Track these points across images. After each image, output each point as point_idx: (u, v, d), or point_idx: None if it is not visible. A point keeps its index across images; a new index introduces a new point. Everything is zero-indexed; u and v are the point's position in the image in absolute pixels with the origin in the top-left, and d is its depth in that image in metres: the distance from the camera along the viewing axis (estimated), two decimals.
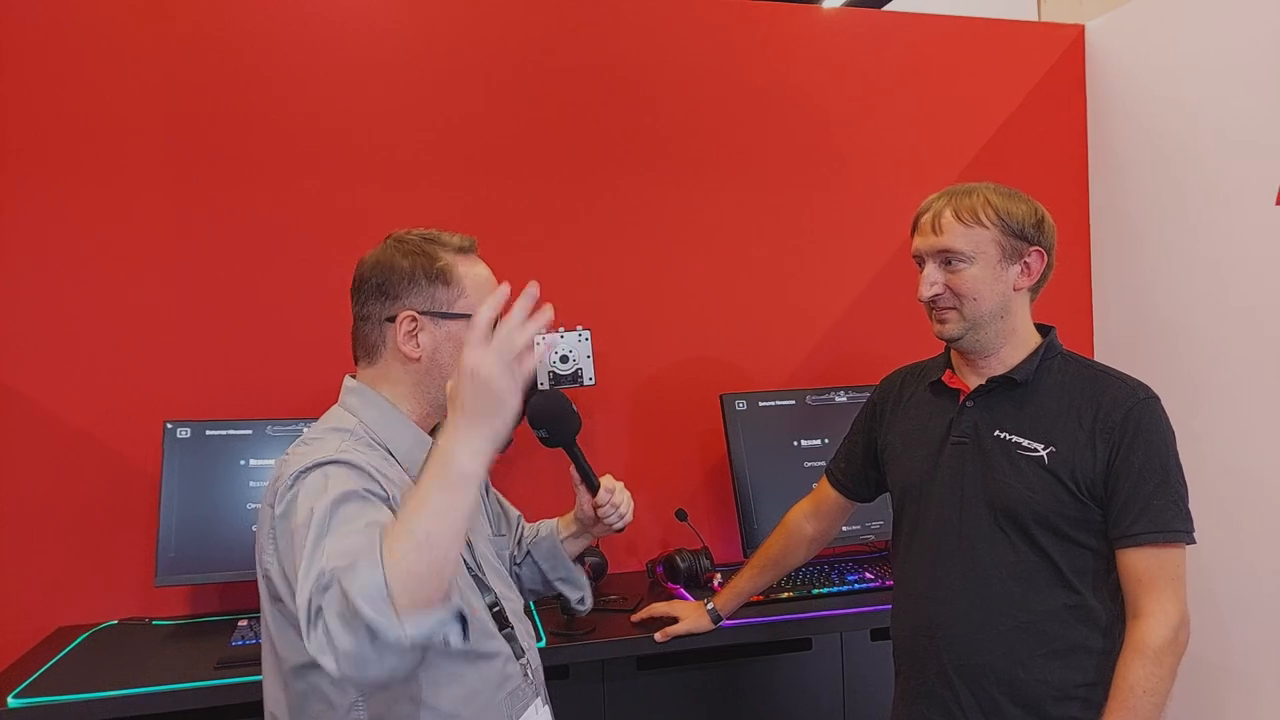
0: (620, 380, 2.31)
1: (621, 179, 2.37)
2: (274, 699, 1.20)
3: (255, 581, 1.19)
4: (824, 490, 1.73)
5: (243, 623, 1.85)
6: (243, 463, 1.97)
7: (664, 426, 2.37)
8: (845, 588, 2.03)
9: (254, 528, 1.21)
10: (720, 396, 2.28)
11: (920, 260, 1.44)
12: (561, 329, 2.00)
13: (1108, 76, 2.62)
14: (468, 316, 1.26)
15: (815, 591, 2.01)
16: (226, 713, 1.62)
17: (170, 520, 1.90)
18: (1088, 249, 2.69)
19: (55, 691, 1.58)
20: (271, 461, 1.97)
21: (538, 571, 1.54)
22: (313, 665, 1.14)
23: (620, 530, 1.49)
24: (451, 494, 0.96)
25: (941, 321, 1.43)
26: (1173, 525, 1.31)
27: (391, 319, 1.24)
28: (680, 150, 2.41)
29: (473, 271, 1.28)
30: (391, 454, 1.23)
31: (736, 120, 2.45)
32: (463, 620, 1.00)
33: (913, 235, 1.46)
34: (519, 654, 1.29)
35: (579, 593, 1.54)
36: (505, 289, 1.04)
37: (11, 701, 1.55)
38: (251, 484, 1.97)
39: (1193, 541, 1.32)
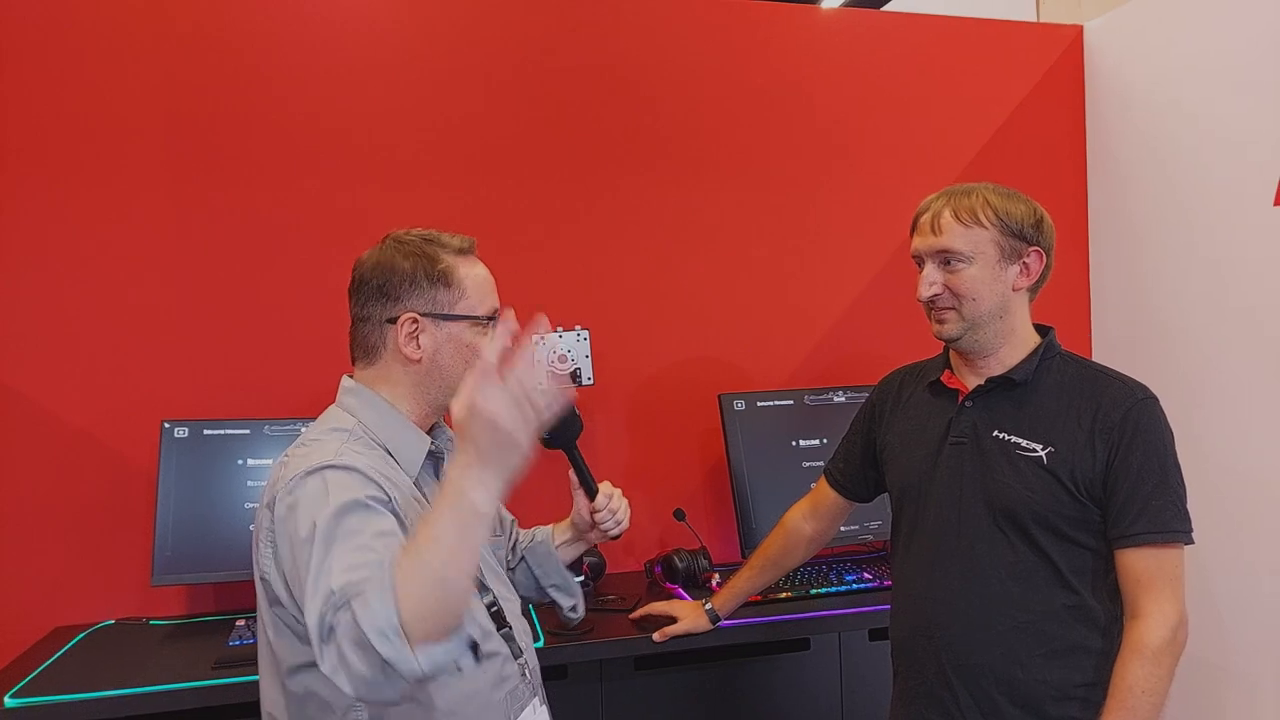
0: (619, 380, 2.31)
1: (621, 179, 2.37)
2: (271, 700, 1.20)
3: (252, 581, 1.19)
4: (822, 490, 1.73)
5: (240, 622, 1.85)
6: (240, 462, 1.97)
7: (662, 426, 2.37)
8: (843, 588, 2.03)
9: (251, 528, 1.21)
10: (719, 396, 2.28)
11: (919, 260, 1.44)
12: (560, 329, 2.00)
13: (1106, 77, 2.63)
14: (469, 318, 1.26)
15: (813, 591, 2.01)
16: (224, 713, 1.61)
17: (167, 520, 1.90)
18: (1086, 249, 2.70)
19: (52, 691, 1.57)
20: (269, 461, 1.97)
21: (531, 577, 1.53)
22: (310, 666, 1.14)
23: (616, 537, 1.49)
24: (466, 532, 0.96)
25: (940, 322, 1.43)
26: (1171, 525, 1.31)
27: (392, 320, 1.24)
28: (679, 150, 2.41)
29: (473, 273, 1.28)
30: (391, 454, 1.23)
31: (736, 120, 2.45)
32: (474, 645, 1.01)
33: (912, 235, 1.46)
34: (517, 654, 1.29)
35: (571, 600, 1.53)
36: (511, 324, 1.01)
37: (8, 701, 1.54)
38: (249, 484, 1.96)
39: (1191, 542, 1.32)
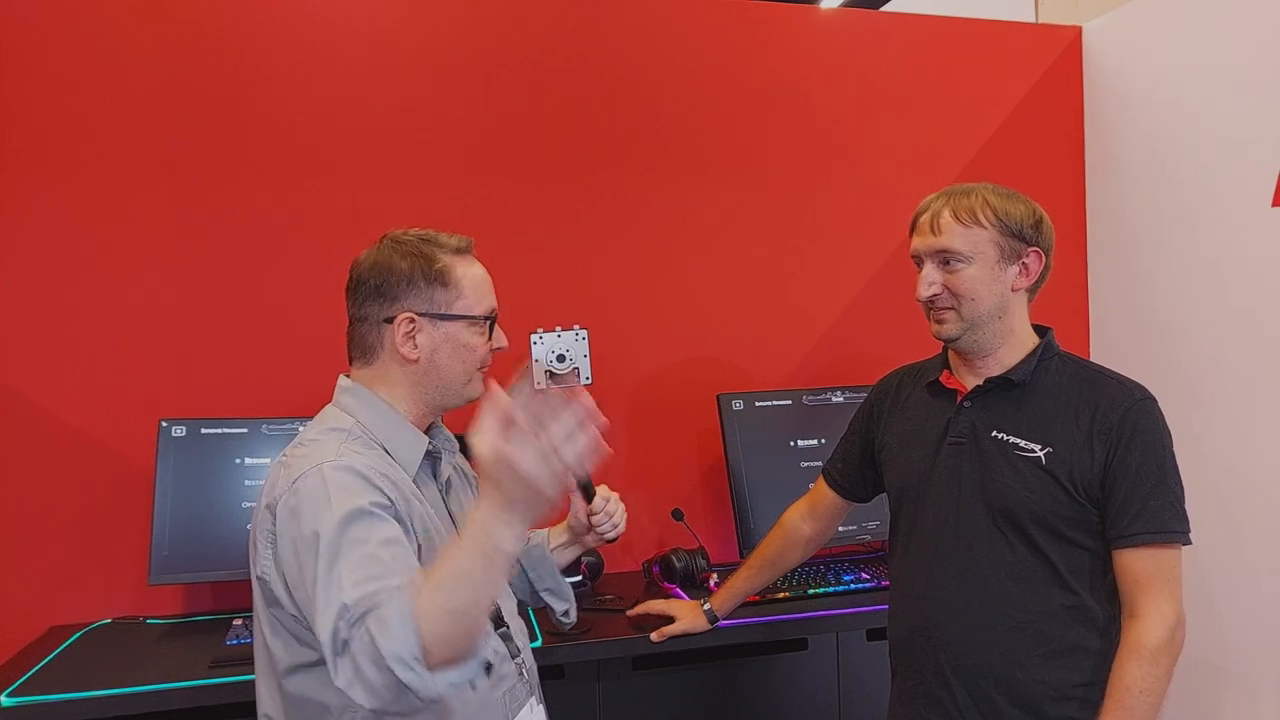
0: (618, 380, 2.31)
1: (620, 179, 2.37)
2: (268, 701, 1.20)
3: (249, 581, 1.19)
4: (821, 490, 1.73)
5: (237, 622, 1.84)
6: (238, 461, 1.97)
7: (661, 426, 2.36)
8: (841, 588, 2.03)
9: (249, 527, 1.21)
10: (717, 396, 2.28)
11: (918, 260, 1.44)
12: (558, 328, 2.00)
13: (1105, 78, 2.63)
14: (466, 318, 1.26)
15: (811, 591, 2.01)
16: (221, 712, 1.61)
17: (164, 519, 1.90)
18: (1084, 250, 2.70)
19: (49, 690, 1.57)
20: (267, 460, 1.97)
21: (525, 580, 1.53)
22: (307, 667, 1.13)
23: (613, 540, 1.49)
24: (490, 571, 0.97)
25: (939, 322, 1.43)
26: (1169, 526, 1.31)
27: (389, 320, 1.24)
28: (678, 151, 2.41)
29: (470, 272, 1.28)
30: (389, 454, 1.23)
31: (735, 120, 2.45)
32: (487, 666, 1.03)
33: (911, 235, 1.46)
34: (514, 653, 1.29)
35: (564, 605, 1.52)
36: (544, 381, 1.01)
37: (5, 700, 1.54)
38: (247, 483, 1.96)
39: (1189, 542, 1.32)
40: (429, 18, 2.25)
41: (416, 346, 1.24)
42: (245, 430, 1.99)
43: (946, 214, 1.40)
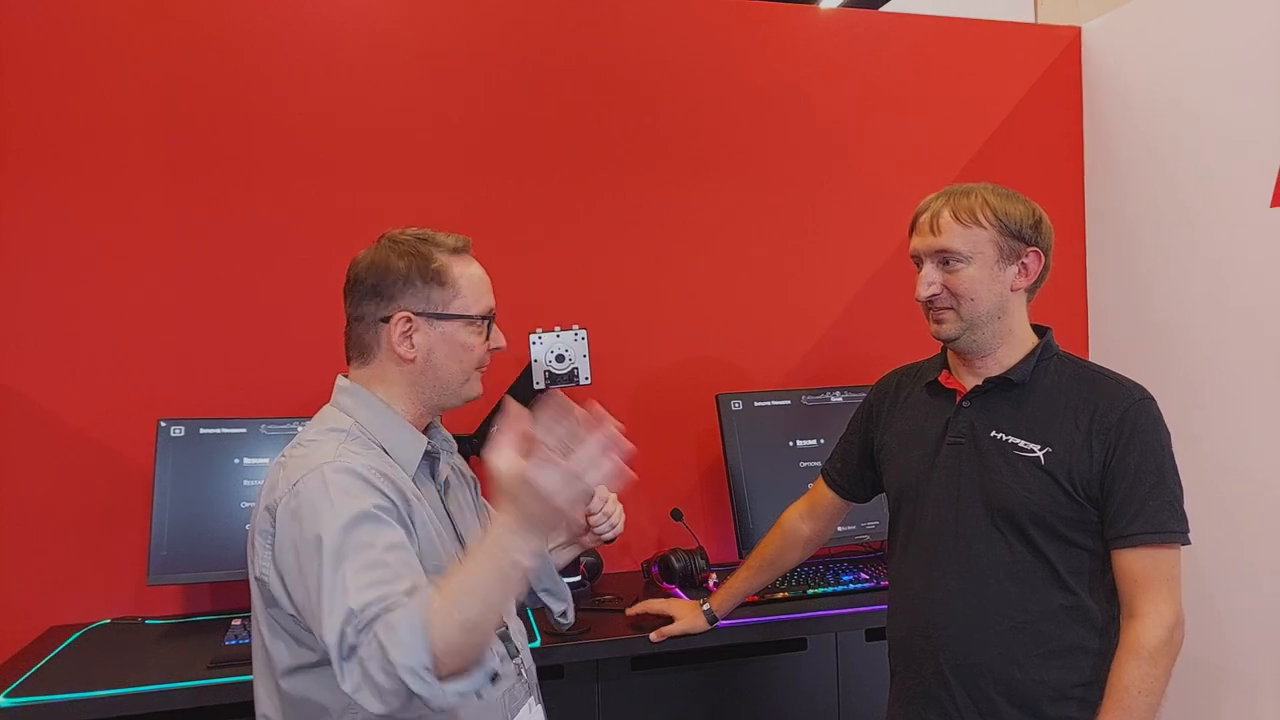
0: (616, 380, 2.30)
1: (619, 179, 2.37)
2: (267, 701, 1.19)
3: (248, 581, 1.18)
4: (820, 490, 1.73)
5: (236, 622, 1.84)
6: (237, 461, 1.97)
7: (660, 426, 2.36)
8: (840, 588, 2.03)
9: (248, 527, 1.21)
10: (716, 396, 2.28)
11: (918, 260, 1.44)
12: (558, 328, 2.00)
13: (1104, 78, 2.63)
14: (463, 317, 1.26)
15: (810, 592, 2.01)
16: (219, 713, 1.61)
17: (163, 519, 1.90)
18: (1084, 250, 2.70)
19: (47, 691, 1.57)
20: (266, 461, 1.97)
21: None
22: (305, 668, 1.13)
23: (610, 540, 1.48)
24: (506, 586, 0.99)
25: (939, 321, 1.43)
26: (1168, 526, 1.31)
27: (386, 319, 1.24)
28: (678, 151, 2.41)
29: (467, 272, 1.28)
30: (388, 454, 1.23)
31: (734, 120, 2.45)
32: (494, 675, 1.04)
33: (910, 235, 1.46)
34: (513, 653, 1.29)
35: (562, 605, 1.51)
36: (579, 410, 1.01)
37: (3, 700, 1.54)
38: (245, 483, 1.96)
39: (1188, 542, 1.32)
40: (429, 18, 2.25)
41: (413, 346, 1.24)
42: (244, 430, 1.99)
43: (946, 214, 1.40)
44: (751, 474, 2.23)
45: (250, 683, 1.23)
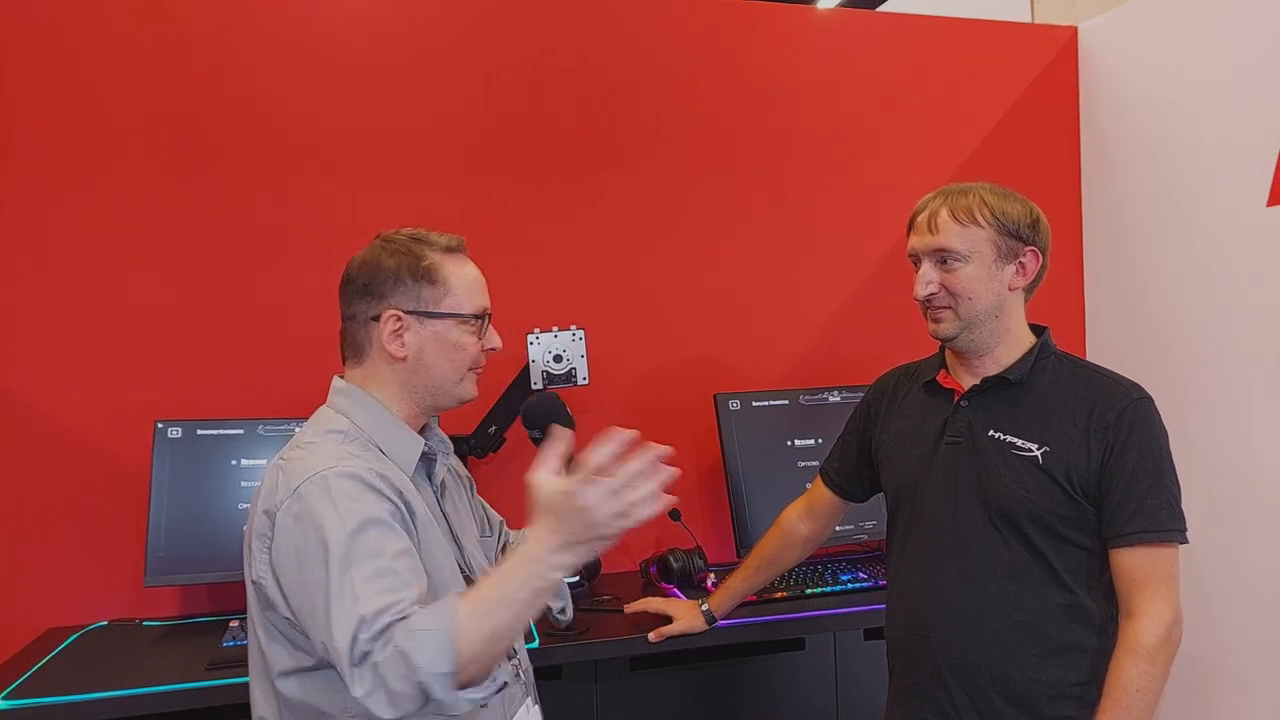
0: (614, 380, 2.30)
1: (617, 179, 2.37)
2: (263, 704, 1.19)
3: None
4: (818, 490, 1.73)
5: (233, 623, 1.84)
6: (234, 462, 1.96)
7: (658, 426, 2.33)
8: (839, 587, 2.03)
9: (245, 529, 1.20)
10: (714, 396, 2.28)
11: (916, 259, 1.44)
12: (555, 328, 2.00)
13: (1101, 78, 2.63)
14: (454, 316, 1.25)
15: (808, 591, 2.01)
16: (217, 714, 1.61)
17: (160, 520, 1.89)
18: (1080, 250, 2.70)
19: (45, 693, 1.57)
20: (263, 462, 1.96)
21: None
22: (302, 671, 1.13)
23: None
24: (536, 600, 1.02)
25: (937, 321, 1.43)
26: (1166, 525, 1.31)
27: (376, 318, 1.23)
28: (676, 151, 2.41)
29: (460, 271, 1.27)
30: (385, 455, 1.22)
31: (732, 121, 2.45)
32: (502, 685, 1.07)
33: (909, 234, 1.46)
34: (510, 654, 1.28)
35: (560, 602, 1.52)
36: (630, 434, 1.04)
37: (1, 703, 1.54)
38: (243, 484, 1.96)
39: (1185, 541, 1.32)
40: (429, 18, 2.25)
41: (404, 345, 1.23)
42: (241, 431, 1.98)
43: (944, 213, 1.40)
44: (749, 474, 2.23)
45: (248, 685, 1.23)
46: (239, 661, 1.58)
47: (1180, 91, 2.35)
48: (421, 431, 1.30)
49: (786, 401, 2.32)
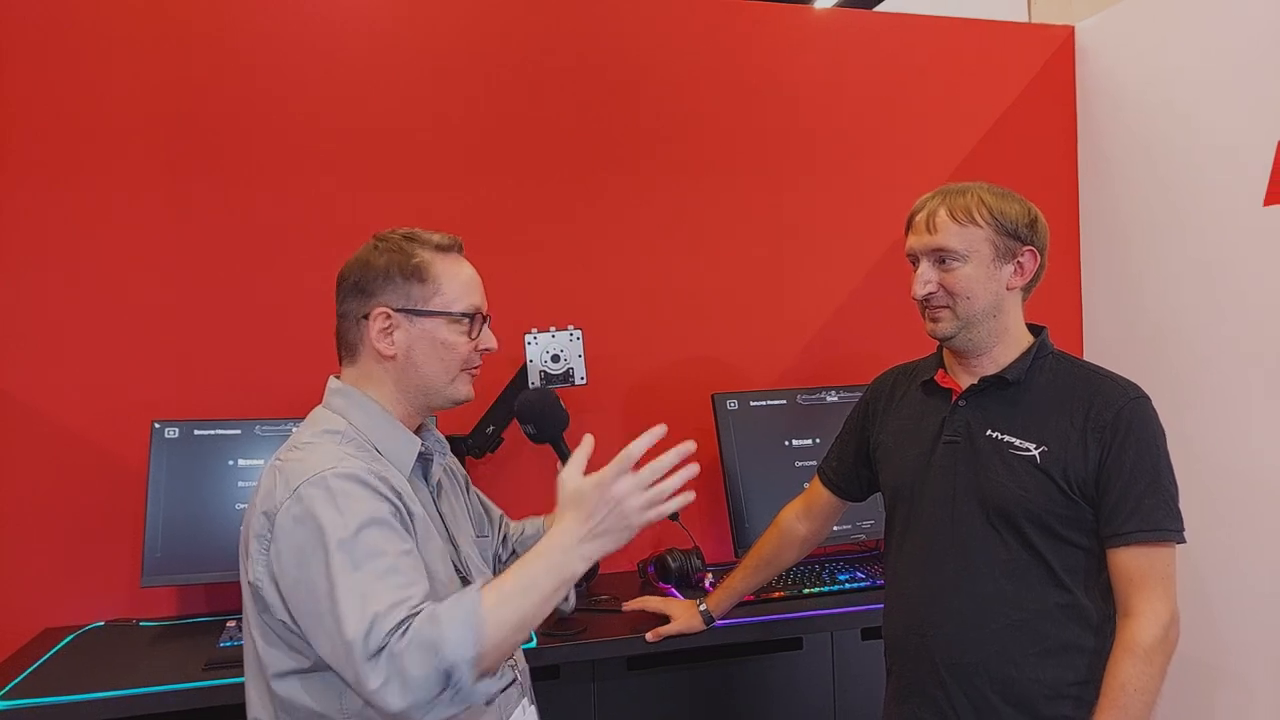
0: (612, 380, 2.30)
1: (616, 179, 2.37)
2: (259, 705, 1.19)
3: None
4: (816, 490, 1.73)
5: (231, 624, 1.83)
6: (231, 463, 1.96)
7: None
8: (836, 587, 2.03)
9: (240, 529, 1.20)
10: (712, 396, 2.28)
11: (914, 259, 1.45)
12: (553, 328, 2.00)
13: (1098, 77, 2.63)
14: (443, 314, 1.24)
15: (806, 591, 2.01)
16: (214, 714, 1.60)
17: (158, 520, 1.89)
18: (1077, 250, 2.70)
19: (42, 693, 1.56)
20: (260, 462, 1.96)
21: None
22: (297, 673, 1.12)
23: None
24: (558, 590, 1.05)
25: (935, 320, 1.43)
26: (1163, 524, 1.31)
27: (367, 316, 1.23)
28: (674, 151, 2.41)
29: (452, 269, 1.26)
30: (382, 455, 1.22)
31: (730, 121, 2.45)
32: (513, 681, 1.10)
33: (907, 234, 1.46)
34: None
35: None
36: (660, 431, 1.13)
37: None
38: (240, 484, 1.95)
39: (1183, 541, 1.32)
40: (429, 18, 2.25)
41: (393, 343, 1.23)
42: (239, 431, 1.98)
43: (942, 213, 1.40)
44: (747, 473, 2.23)
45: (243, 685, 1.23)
46: (236, 662, 1.57)
47: (1177, 91, 2.35)
48: (417, 432, 1.30)
49: (784, 401, 2.32)
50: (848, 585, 2.04)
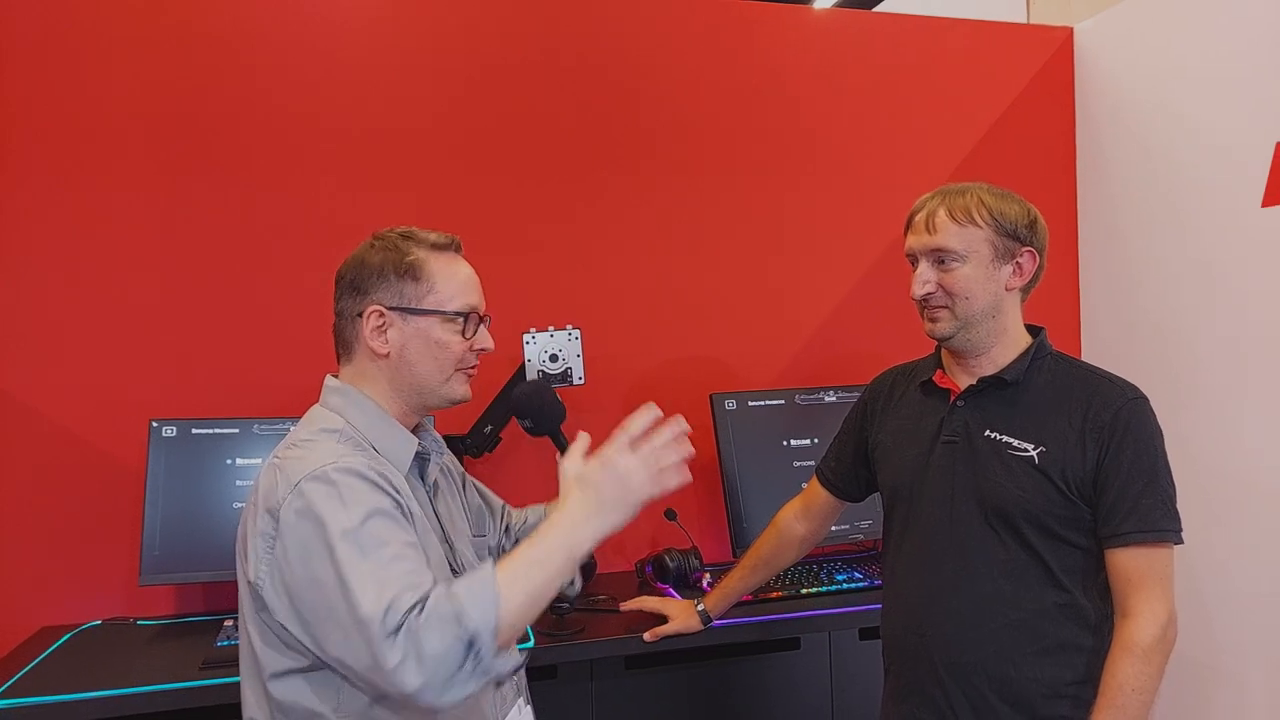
0: (610, 380, 2.30)
1: (614, 179, 2.37)
2: (254, 705, 1.18)
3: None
4: (814, 490, 1.73)
5: (228, 623, 1.83)
6: (229, 461, 1.96)
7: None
8: (834, 587, 2.03)
9: (238, 529, 1.20)
10: (710, 396, 2.28)
11: (913, 259, 1.45)
12: (551, 328, 2.00)
13: (1096, 78, 2.63)
14: (438, 313, 1.24)
15: (804, 591, 2.01)
16: (211, 713, 1.60)
17: (155, 519, 1.89)
18: (1075, 250, 2.70)
19: (39, 692, 1.56)
20: (258, 460, 1.96)
21: None
22: (294, 672, 1.12)
23: None
24: (569, 566, 1.07)
25: (934, 320, 1.43)
26: (1161, 525, 1.31)
27: (361, 314, 1.23)
28: (673, 151, 2.41)
29: (447, 268, 1.26)
30: (380, 454, 1.22)
31: (728, 121, 2.45)
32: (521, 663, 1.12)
33: (906, 234, 1.47)
34: None
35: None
36: (656, 412, 1.16)
37: None
38: (238, 483, 1.95)
39: (1181, 541, 1.32)
40: (429, 18, 2.25)
41: (386, 341, 1.23)
42: (236, 430, 1.98)
43: (942, 213, 1.40)
44: (745, 473, 2.23)
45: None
46: (233, 661, 1.57)
47: (1176, 91, 2.35)
48: (414, 431, 1.29)
49: (782, 401, 2.32)
50: (845, 585, 2.04)
